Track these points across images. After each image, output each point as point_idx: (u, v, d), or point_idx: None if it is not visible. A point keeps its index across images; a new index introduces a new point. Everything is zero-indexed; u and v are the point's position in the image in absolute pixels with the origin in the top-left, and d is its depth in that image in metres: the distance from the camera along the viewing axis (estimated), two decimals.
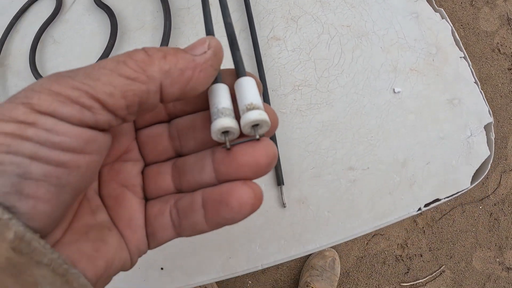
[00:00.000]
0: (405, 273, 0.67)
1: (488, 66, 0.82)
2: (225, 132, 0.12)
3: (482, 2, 0.88)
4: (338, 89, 0.27)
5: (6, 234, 0.09)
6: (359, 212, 0.25)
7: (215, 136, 0.12)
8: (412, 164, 0.27)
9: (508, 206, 0.70)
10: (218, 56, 0.12)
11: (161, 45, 0.27)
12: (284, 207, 0.25)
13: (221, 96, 0.13)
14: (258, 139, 0.12)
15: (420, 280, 0.66)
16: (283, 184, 0.25)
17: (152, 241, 0.13)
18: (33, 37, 0.30)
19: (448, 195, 0.27)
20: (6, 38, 0.32)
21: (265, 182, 0.25)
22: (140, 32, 0.30)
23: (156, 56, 0.11)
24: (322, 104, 0.26)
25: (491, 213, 0.70)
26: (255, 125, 0.12)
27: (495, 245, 0.67)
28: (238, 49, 0.14)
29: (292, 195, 0.25)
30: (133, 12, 0.30)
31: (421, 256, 0.67)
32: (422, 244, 0.68)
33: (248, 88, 0.13)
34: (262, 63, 0.26)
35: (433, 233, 0.68)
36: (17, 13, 0.32)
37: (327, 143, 0.26)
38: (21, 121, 0.09)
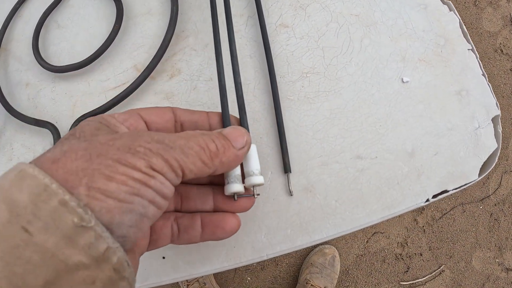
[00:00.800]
0: (405, 272, 0.66)
1: (491, 66, 0.82)
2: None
3: (485, 2, 0.88)
4: (346, 77, 0.26)
5: (112, 259, 0.12)
6: (367, 202, 0.25)
7: (227, 192, 0.19)
8: (420, 154, 0.26)
9: (509, 207, 0.70)
10: (248, 150, 0.18)
11: (168, 30, 0.27)
12: (291, 195, 0.24)
13: None
14: (255, 196, 0.20)
15: (420, 279, 0.65)
16: (290, 172, 0.24)
17: (152, 246, 0.18)
18: (37, 22, 0.29)
19: (456, 187, 0.27)
20: (8, 23, 0.31)
21: (271, 170, 0.24)
22: (146, 17, 0.29)
23: (221, 150, 0.16)
24: (330, 92, 0.26)
25: (491, 213, 0.69)
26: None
27: (495, 245, 0.67)
28: (245, 113, 0.21)
29: (299, 183, 0.24)
30: None
31: (421, 255, 0.67)
32: (422, 243, 0.67)
33: (252, 155, 0.20)
34: (270, 49, 0.25)
35: (433, 232, 0.67)
36: None
37: (335, 131, 0.25)
38: (145, 173, 0.13)
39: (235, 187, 0.19)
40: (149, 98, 0.26)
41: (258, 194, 0.20)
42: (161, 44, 0.26)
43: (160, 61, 0.27)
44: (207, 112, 0.19)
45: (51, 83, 0.30)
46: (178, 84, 0.26)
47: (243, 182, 0.20)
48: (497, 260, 0.66)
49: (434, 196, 0.26)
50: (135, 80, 0.26)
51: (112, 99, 0.26)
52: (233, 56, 0.23)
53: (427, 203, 0.26)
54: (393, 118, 0.26)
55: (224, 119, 0.20)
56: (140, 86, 0.26)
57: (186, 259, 0.24)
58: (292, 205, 0.24)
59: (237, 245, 0.24)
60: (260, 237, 0.24)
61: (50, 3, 0.30)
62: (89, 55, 0.28)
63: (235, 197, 0.19)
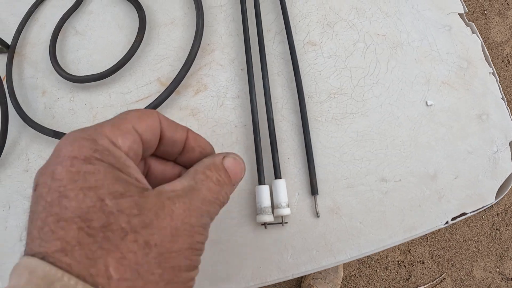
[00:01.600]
0: (407, 279, 0.69)
1: (497, 75, 0.84)
2: None
3: (493, 12, 0.90)
4: (373, 99, 0.27)
5: None
6: (390, 223, 0.26)
7: (259, 221, 0.24)
8: (441, 177, 0.27)
9: (510, 217, 0.73)
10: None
11: (194, 43, 0.27)
12: (318, 217, 0.25)
13: (264, 197, 0.24)
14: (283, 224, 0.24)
15: (421, 287, 0.68)
16: (317, 194, 0.25)
17: None
18: (54, 27, 0.29)
19: (474, 210, 0.28)
20: (23, 26, 0.31)
21: (299, 191, 0.25)
22: (170, 28, 0.29)
23: (224, 184, 0.17)
24: (357, 113, 0.27)
25: (493, 223, 0.72)
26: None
27: (496, 255, 0.70)
28: (277, 151, 0.24)
29: (325, 205, 0.25)
30: (161, 7, 0.30)
31: (423, 263, 0.70)
32: (424, 251, 0.70)
33: (282, 189, 0.24)
34: (298, 68, 0.26)
35: (435, 240, 0.70)
36: (36, 0, 0.31)
37: (361, 153, 0.26)
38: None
39: (266, 218, 0.24)
40: (174, 114, 0.27)
41: (286, 222, 0.24)
42: (187, 58, 0.27)
43: (186, 76, 0.27)
44: (188, 130, 0.18)
45: (69, 93, 0.30)
46: (204, 100, 0.27)
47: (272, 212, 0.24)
48: (497, 269, 0.69)
49: (453, 219, 0.28)
50: (160, 95, 0.26)
51: None
52: (266, 91, 0.24)
53: (446, 225, 0.28)
54: (416, 141, 0.28)
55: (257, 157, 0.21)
56: (166, 101, 0.27)
57: (212, 277, 0.25)
58: (318, 227, 0.25)
59: (263, 265, 0.25)
60: (286, 258, 0.25)
61: (67, 8, 0.30)
62: (109, 64, 0.28)
63: (266, 226, 0.24)
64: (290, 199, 0.25)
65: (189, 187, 0.15)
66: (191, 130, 0.18)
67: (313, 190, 0.25)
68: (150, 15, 0.30)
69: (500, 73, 0.86)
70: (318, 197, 0.25)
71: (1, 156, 0.30)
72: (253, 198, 0.25)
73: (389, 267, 0.70)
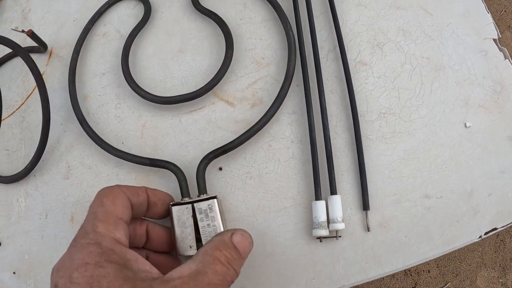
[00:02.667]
0: (412, 287, 0.75)
1: None
2: None
3: (504, 27, 0.98)
4: (418, 120, 0.31)
5: None
6: (431, 237, 0.30)
7: (314, 235, 0.27)
8: (477, 194, 0.31)
9: None
10: None
11: (290, 57, 0.29)
12: (368, 230, 0.28)
13: (320, 212, 0.27)
14: (337, 238, 0.27)
15: None
16: (369, 209, 0.28)
17: None
18: (123, 44, 0.30)
19: (504, 225, 0.32)
20: (84, 40, 0.32)
21: (351, 206, 0.28)
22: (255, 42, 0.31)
23: (234, 261, 0.20)
24: (404, 133, 0.30)
25: (498, 234, 0.79)
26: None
27: (500, 265, 0.77)
28: (333, 168, 0.28)
29: (375, 219, 0.28)
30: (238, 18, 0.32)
31: (429, 272, 0.75)
32: (430, 260, 0.76)
33: (337, 205, 0.27)
34: (352, 87, 0.29)
35: None
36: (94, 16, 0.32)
37: (407, 171, 0.30)
38: None
39: (322, 232, 0.26)
40: (230, 126, 0.29)
41: (340, 236, 0.27)
42: (285, 74, 0.28)
43: (241, 89, 0.29)
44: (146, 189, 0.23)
45: (115, 99, 0.31)
46: (259, 114, 0.29)
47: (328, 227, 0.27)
48: (500, 280, 0.76)
49: (486, 233, 0.32)
50: (260, 120, 0.28)
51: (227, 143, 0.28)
52: (322, 109, 0.26)
53: (479, 239, 0.32)
54: (456, 160, 0.31)
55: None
56: (219, 113, 0.29)
57: None
58: (368, 240, 0.29)
59: (316, 277, 0.28)
60: (338, 269, 0.28)
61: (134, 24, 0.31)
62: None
63: (321, 239, 0.27)
64: (343, 213, 0.28)
65: (196, 272, 0.18)
66: (148, 187, 0.23)
67: (365, 206, 0.28)
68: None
69: None
70: (369, 212, 0.28)
71: (39, 162, 0.31)
72: (308, 212, 0.28)
73: (396, 275, 0.75)
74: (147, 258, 0.24)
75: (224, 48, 0.30)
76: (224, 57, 0.30)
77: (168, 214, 0.25)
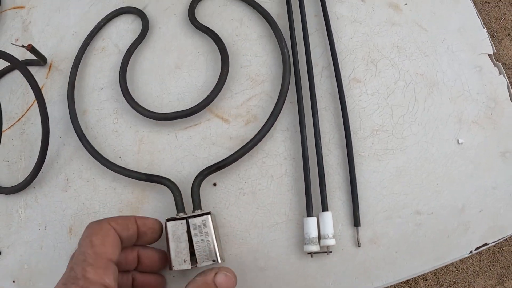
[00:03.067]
0: None
1: None
2: None
3: (503, 35, 0.99)
4: (411, 137, 0.32)
5: None
6: (422, 253, 0.31)
7: (305, 250, 0.28)
8: (468, 210, 0.32)
9: None
10: None
11: (284, 75, 0.30)
12: (359, 246, 0.29)
13: (312, 228, 0.28)
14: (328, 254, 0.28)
15: None
16: (360, 225, 0.29)
17: None
18: (121, 59, 0.31)
19: (494, 240, 0.33)
20: (82, 54, 0.33)
21: (342, 223, 0.29)
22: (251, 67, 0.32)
23: None
24: (396, 150, 0.31)
25: None
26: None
27: (497, 274, 0.78)
28: (325, 185, 0.29)
29: (365, 235, 0.30)
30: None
31: (426, 280, 0.77)
32: None
33: (328, 221, 0.28)
34: (346, 105, 0.30)
35: None
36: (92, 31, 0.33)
37: (399, 187, 0.31)
38: None
39: (313, 248, 0.28)
40: (225, 143, 0.30)
41: (331, 252, 0.28)
42: (279, 92, 0.29)
43: (236, 106, 0.30)
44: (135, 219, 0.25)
45: (112, 114, 0.33)
46: (253, 131, 0.31)
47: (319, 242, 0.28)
48: None
49: (476, 249, 0.33)
50: (256, 134, 0.29)
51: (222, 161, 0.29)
52: (316, 128, 0.28)
53: (470, 254, 0.33)
54: (448, 176, 0.33)
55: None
56: (214, 130, 0.30)
57: None
58: (359, 255, 0.30)
59: None
60: (328, 284, 0.29)
61: (138, 35, 0.32)
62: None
63: (312, 255, 0.28)
64: (334, 229, 0.29)
65: None
66: (137, 216, 0.25)
67: (356, 222, 0.29)
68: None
69: None
70: (359, 228, 0.30)
71: (39, 174, 0.32)
72: (300, 228, 0.29)
73: (394, 284, 0.76)
74: (133, 281, 0.26)
75: (220, 64, 0.31)
76: (220, 74, 0.31)
77: (158, 238, 0.27)
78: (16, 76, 0.37)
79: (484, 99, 0.36)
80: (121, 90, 0.31)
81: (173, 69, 0.33)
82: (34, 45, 0.36)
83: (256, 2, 0.34)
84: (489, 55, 0.38)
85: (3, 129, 0.35)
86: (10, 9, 0.41)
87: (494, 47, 0.38)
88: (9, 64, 0.37)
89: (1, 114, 0.32)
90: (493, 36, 1.01)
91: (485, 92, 0.36)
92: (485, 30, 0.38)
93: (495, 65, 0.37)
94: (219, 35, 0.32)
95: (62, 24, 0.37)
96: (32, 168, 0.32)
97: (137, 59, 0.34)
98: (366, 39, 0.34)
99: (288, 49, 0.31)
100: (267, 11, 0.33)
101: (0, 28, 0.41)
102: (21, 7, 0.41)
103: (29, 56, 0.36)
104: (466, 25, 0.38)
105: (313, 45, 0.33)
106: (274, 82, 0.32)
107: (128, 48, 0.33)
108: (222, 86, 0.30)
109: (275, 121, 0.29)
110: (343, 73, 0.32)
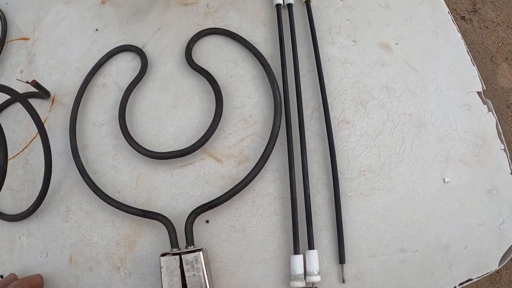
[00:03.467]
0: None
1: (502, 122, 0.97)
2: None
3: (501, 58, 1.02)
4: (397, 176, 0.35)
5: None
6: None
7: (292, 286, 0.31)
8: (453, 247, 0.36)
9: (511, 261, 0.84)
10: None
11: (275, 118, 0.33)
12: (343, 282, 0.32)
13: (298, 265, 0.31)
14: None
15: None
16: (345, 263, 0.32)
17: None
18: (121, 98, 0.35)
19: (479, 276, 0.36)
20: (84, 90, 0.36)
21: (327, 260, 0.33)
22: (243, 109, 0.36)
23: None
24: (383, 190, 0.34)
25: None
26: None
27: None
28: (311, 225, 0.32)
29: (350, 272, 0.33)
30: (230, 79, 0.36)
31: None
32: None
33: (314, 259, 0.32)
34: (334, 147, 0.34)
35: None
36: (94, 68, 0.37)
37: (384, 226, 0.34)
38: None
39: (299, 284, 0.31)
40: (218, 182, 0.34)
41: (316, 287, 0.31)
42: (270, 135, 0.33)
43: (228, 146, 0.34)
44: None
45: (112, 150, 0.36)
46: (245, 171, 0.34)
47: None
48: None
49: (460, 284, 0.36)
50: (247, 176, 0.33)
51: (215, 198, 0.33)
52: (304, 169, 0.31)
53: None
54: (433, 214, 0.36)
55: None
56: (208, 169, 0.33)
57: None
58: None
59: None
60: None
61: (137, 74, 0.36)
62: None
63: None
64: (320, 266, 0.32)
65: None
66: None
67: (341, 259, 0.33)
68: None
69: (505, 119, 0.99)
70: (345, 265, 0.33)
71: (41, 204, 0.36)
72: (288, 264, 0.32)
73: None
74: None
75: (215, 105, 0.35)
76: (214, 115, 0.34)
77: None
78: (21, 107, 0.41)
79: (471, 137, 0.39)
80: (120, 128, 0.35)
81: (170, 109, 0.37)
82: (38, 79, 0.39)
83: (251, 44, 0.37)
84: (478, 93, 0.41)
85: (8, 158, 0.39)
86: (16, 40, 0.45)
87: (483, 84, 0.41)
88: None
89: (6, 146, 0.36)
90: (491, 60, 1.05)
91: (473, 131, 0.39)
92: (475, 67, 0.41)
93: (484, 102, 0.40)
94: (214, 77, 0.36)
95: (65, 59, 0.41)
96: (35, 198, 0.36)
97: (136, 97, 0.38)
98: (356, 80, 0.37)
99: (280, 92, 0.34)
100: (260, 53, 0.36)
101: (6, 57, 0.44)
102: (26, 39, 0.44)
103: (34, 89, 0.39)
104: (456, 63, 0.40)
105: (304, 86, 0.36)
106: (265, 124, 0.35)
107: (128, 86, 0.36)
108: (216, 128, 0.34)
109: (265, 163, 0.33)
110: (332, 114, 0.36)
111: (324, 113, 0.35)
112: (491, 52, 1.10)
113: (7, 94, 0.35)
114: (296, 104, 0.35)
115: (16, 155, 0.40)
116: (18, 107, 0.42)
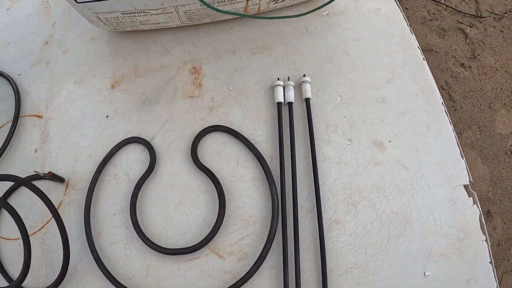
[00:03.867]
0: None
1: (500, 168, 1.04)
2: None
3: (499, 105, 1.09)
4: (381, 272, 0.41)
5: None
6: None
7: None
8: None
9: None
10: None
11: (272, 222, 0.40)
12: None
13: None
14: None
15: None
16: None
17: None
18: (131, 192, 0.40)
19: None
20: (96, 180, 0.42)
21: None
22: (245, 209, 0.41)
23: None
24: (367, 285, 0.41)
25: None
26: None
27: None
28: None
29: None
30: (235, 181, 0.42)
31: None
32: None
33: None
34: (324, 246, 0.40)
35: None
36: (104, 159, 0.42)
37: None
38: None
39: None
40: (220, 276, 0.40)
41: None
42: (268, 236, 0.39)
43: (230, 244, 0.40)
44: None
45: (124, 239, 0.42)
46: (244, 268, 0.40)
47: None
48: None
49: None
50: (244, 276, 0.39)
51: None
52: (296, 270, 0.37)
53: None
54: None
55: None
56: (211, 264, 0.40)
57: None
58: None
59: None
60: None
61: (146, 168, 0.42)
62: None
63: None
64: None
65: None
66: None
67: None
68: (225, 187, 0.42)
69: (502, 166, 1.06)
70: None
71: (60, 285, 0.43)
72: None
73: None
74: None
75: (218, 204, 0.41)
76: (217, 217, 0.40)
77: None
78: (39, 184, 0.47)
79: (454, 232, 0.45)
80: (132, 223, 0.41)
81: (177, 205, 0.43)
82: (51, 160, 0.45)
83: (252, 144, 0.43)
84: (465, 186, 0.46)
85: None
86: (29, 115, 0.51)
87: (470, 177, 0.47)
88: (32, 174, 0.46)
89: (23, 223, 0.42)
90: (489, 106, 1.12)
91: (456, 225, 0.45)
92: (463, 160, 0.47)
93: (469, 195, 0.46)
94: (218, 176, 0.41)
95: (77, 144, 0.47)
96: (53, 281, 0.43)
97: (145, 190, 0.44)
98: (349, 181, 0.43)
99: (278, 195, 0.41)
100: (261, 155, 0.42)
101: (20, 132, 0.50)
102: (39, 116, 0.50)
103: (49, 167, 0.45)
104: (445, 158, 0.46)
105: (301, 187, 0.42)
106: (263, 224, 0.42)
107: (138, 182, 0.42)
108: (219, 227, 0.40)
109: (262, 262, 0.39)
110: (325, 215, 0.42)
111: (317, 215, 0.41)
112: (489, 99, 1.16)
113: (26, 187, 0.41)
114: (292, 205, 0.41)
115: (33, 233, 0.47)
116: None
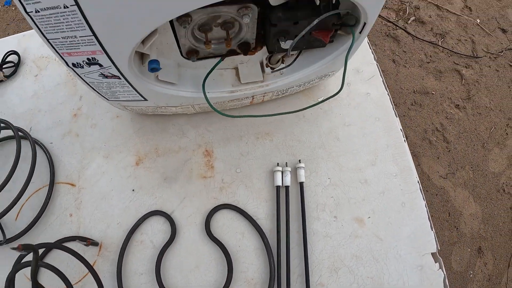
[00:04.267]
0: None
1: (492, 206, 1.16)
2: None
3: (493, 144, 1.21)
4: None
5: None
6: None
7: None
8: None
9: None
10: None
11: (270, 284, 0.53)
12: None
13: None
14: None
15: None
16: None
17: None
18: (156, 256, 0.54)
19: None
20: (126, 245, 0.55)
21: None
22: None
23: None
24: None
25: None
26: None
27: None
28: None
29: None
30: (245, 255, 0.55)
31: None
32: None
33: None
34: None
35: None
36: (133, 228, 0.55)
37: None
38: None
39: None
40: None
41: None
42: None
43: None
44: None
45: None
46: None
47: None
48: None
49: None
50: None
51: None
52: None
53: None
54: None
55: None
56: None
57: None
58: None
59: None
60: None
61: (168, 238, 0.55)
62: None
63: None
64: None
65: None
66: None
67: None
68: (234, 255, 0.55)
69: (495, 203, 1.19)
70: None
71: None
72: None
73: None
74: None
75: (227, 269, 0.54)
76: (226, 279, 0.54)
77: None
78: (73, 245, 0.60)
79: None
80: (157, 282, 0.55)
81: (193, 268, 0.56)
82: (85, 225, 0.59)
83: (255, 221, 0.56)
84: (432, 253, 0.59)
85: None
86: (63, 183, 0.64)
87: (438, 245, 0.60)
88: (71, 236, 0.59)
89: (65, 276, 0.55)
90: (483, 146, 1.24)
91: (423, 287, 0.58)
92: (433, 231, 0.60)
93: (436, 260, 0.59)
94: (226, 247, 0.55)
95: (108, 213, 0.60)
96: None
97: (167, 256, 0.57)
98: (333, 251, 0.56)
99: (274, 263, 0.54)
100: (262, 229, 0.55)
101: (55, 197, 0.64)
102: (72, 185, 0.63)
103: (83, 231, 0.58)
104: (416, 230, 0.59)
105: (293, 256, 0.56)
106: (263, 286, 0.55)
107: (161, 249, 0.56)
108: None
109: None
110: (312, 279, 0.55)
111: (305, 279, 0.54)
112: (483, 138, 1.28)
113: (67, 252, 0.54)
114: (286, 270, 0.54)
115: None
116: (71, 245, 0.61)
